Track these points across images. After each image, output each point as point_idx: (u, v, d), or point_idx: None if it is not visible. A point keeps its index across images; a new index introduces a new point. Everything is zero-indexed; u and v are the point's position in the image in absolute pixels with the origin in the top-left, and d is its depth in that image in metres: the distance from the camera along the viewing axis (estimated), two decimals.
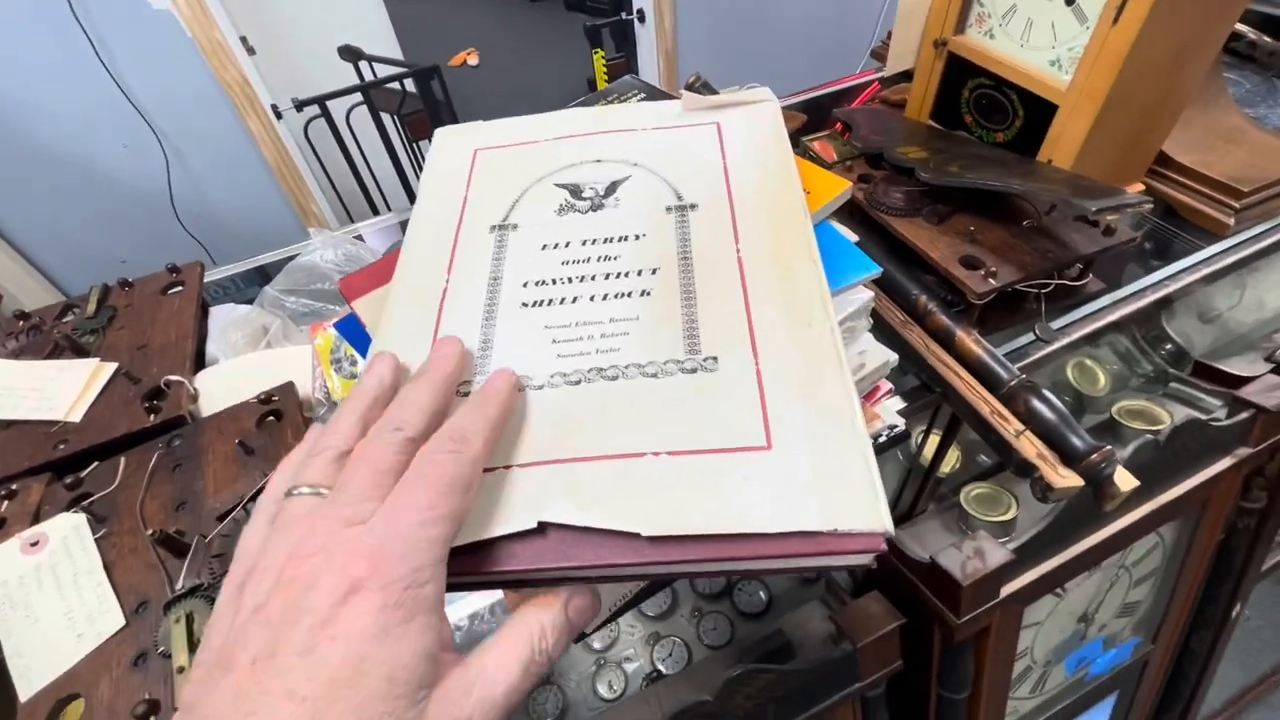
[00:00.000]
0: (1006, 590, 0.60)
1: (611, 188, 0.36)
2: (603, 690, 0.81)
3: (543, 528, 0.23)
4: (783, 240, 0.32)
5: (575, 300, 0.31)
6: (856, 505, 0.23)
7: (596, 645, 0.86)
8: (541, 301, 0.31)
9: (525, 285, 0.32)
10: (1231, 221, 0.61)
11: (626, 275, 0.31)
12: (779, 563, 0.24)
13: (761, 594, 0.87)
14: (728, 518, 0.23)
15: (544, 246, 0.33)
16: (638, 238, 0.33)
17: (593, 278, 0.31)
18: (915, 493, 0.67)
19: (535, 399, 0.27)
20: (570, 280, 0.31)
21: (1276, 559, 0.99)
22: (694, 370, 0.27)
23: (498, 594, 0.41)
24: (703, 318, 0.29)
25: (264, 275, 0.78)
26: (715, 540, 0.23)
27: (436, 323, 0.31)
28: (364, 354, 0.41)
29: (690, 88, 0.72)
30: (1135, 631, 0.84)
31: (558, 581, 0.24)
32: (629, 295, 0.30)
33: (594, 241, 0.33)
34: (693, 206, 0.34)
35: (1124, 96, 0.53)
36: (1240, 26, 0.78)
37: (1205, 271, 0.60)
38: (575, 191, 0.36)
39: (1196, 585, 0.82)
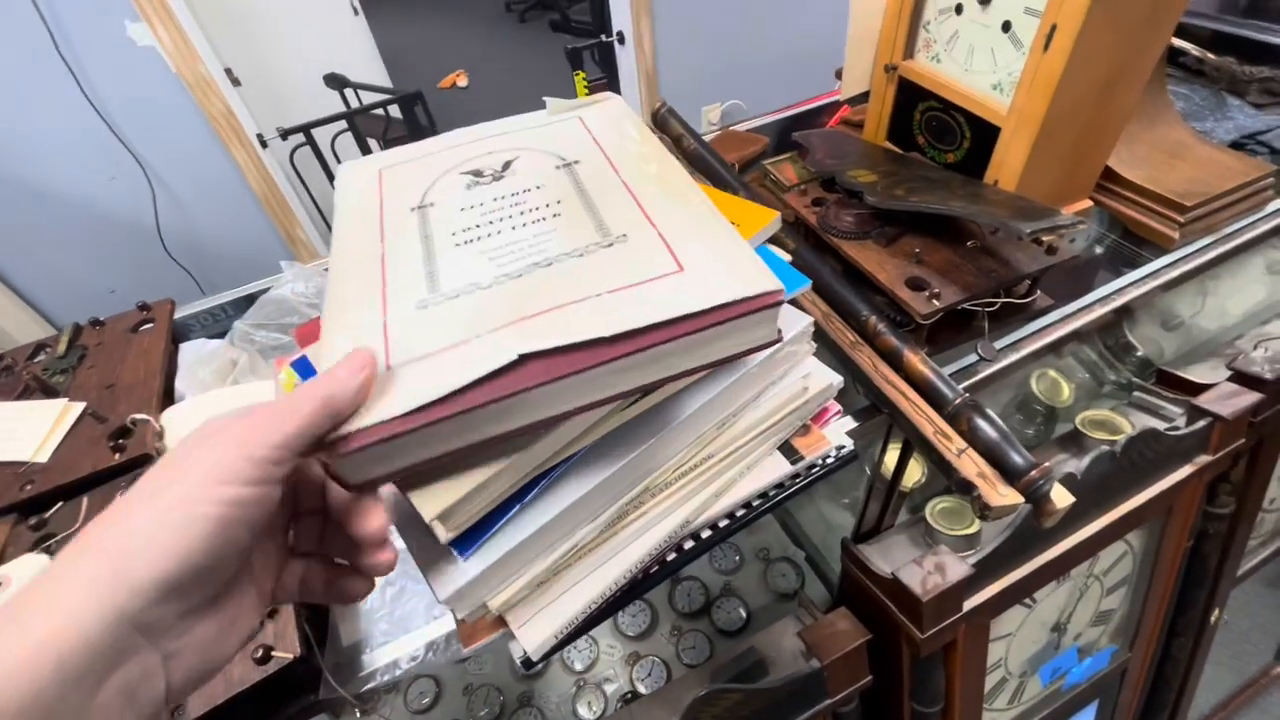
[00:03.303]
0: (970, 603, 0.60)
1: (506, 165, 0.42)
2: (582, 711, 0.82)
3: (523, 359, 0.28)
4: (652, 166, 0.40)
5: (500, 232, 0.36)
6: (753, 279, 0.31)
7: (577, 667, 0.86)
8: (472, 240, 0.36)
9: (454, 234, 0.37)
10: (1176, 235, 0.63)
11: (537, 208, 0.38)
12: (717, 335, 0.31)
13: (740, 611, 0.88)
14: (668, 308, 0.30)
15: (462, 209, 0.38)
16: (538, 188, 0.39)
17: (508, 216, 0.37)
18: (880, 508, 0.67)
19: (486, 295, 0.32)
20: (492, 223, 0.37)
21: (1255, 561, 1.00)
22: (610, 245, 0.34)
23: (429, 635, 0.42)
24: (606, 217, 0.36)
25: (246, 303, 0.79)
26: (662, 326, 0.29)
27: (381, 275, 0.35)
28: None
29: (656, 113, 0.74)
30: (1112, 639, 0.84)
31: (543, 425, 0.31)
32: (543, 219, 0.37)
33: (503, 197, 0.39)
34: (576, 162, 0.41)
35: (1061, 117, 0.55)
36: (1185, 44, 0.80)
37: (1152, 285, 0.62)
38: (477, 173, 0.42)
39: (1170, 592, 0.82)
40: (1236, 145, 0.74)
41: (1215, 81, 0.79)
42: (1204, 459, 0.68)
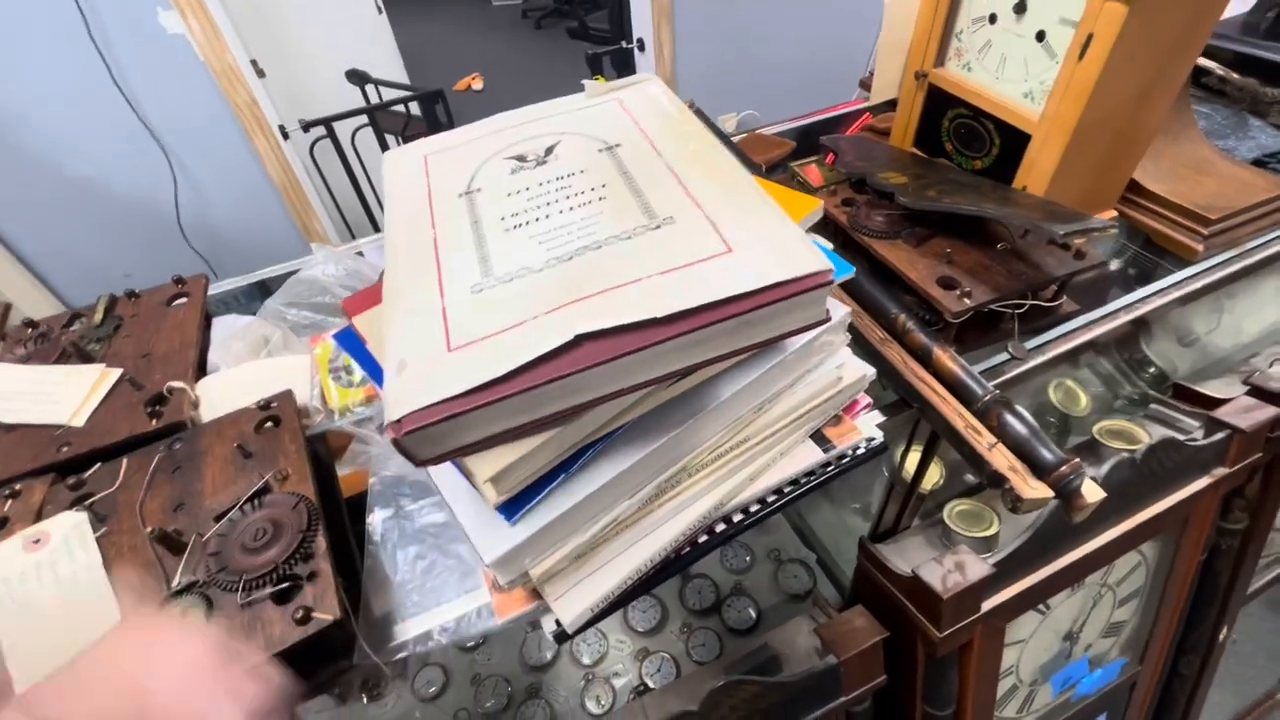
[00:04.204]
0: (988, 605, 0.60)
1: (549, 150, 0.43)
2: (591, 705, 0.81)
3: (578, 340, 0.29)
4: (695, 149, 0.40)
5: (548, 217, 0.37)
6: (804, 260, 0.31)
7: (585, 660, 0.86)
8: (521, 224, 0.37)
9: (503, 219, 0.37)
10: (1201, 247, 0.64)
11: (582, 192, 0.38)
12: (768, 315, 0.31)
13: (750, 611, 0.88)
14: (720, 289, 0.30)
15: (508, 194, 0.39)
16: (582, 172, 0.40)
17: (555, 202, 0.38)
18: (898, 509, 0.68)
19: (539, 278, 0.33)
20: (539, 207, 0.38)
21: (1263, 581, 1.00)
22: (658, 227, 0.35)
23: (463, 607, 0.42)
24: (652, 200, 0.37)
25: (264, 290, 0.80)
26: (715, 306, 0.30)
27: (436, 259, 0.36)
28: (362, 363, 0.42)
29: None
30: (1122, 652, 0.84)
31: (595, 403, 0.31)
32: (589, 203, 0.37)
33: (548, 181, 0.40)
34: (618, 145, 0.42)
35: (1092, 126, 0.56)
36: (1209, 63, 0.81)
37: (1176, 295, 0.62)
38: (520, 158, 0.43)
39: (1181, 606, 0.82)
40: (1258, 163, 0.75)
41: (1237, 101, 0.80)
42: (1221, 471, 0.69)
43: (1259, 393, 0.69)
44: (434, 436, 0.29)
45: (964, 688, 0.67)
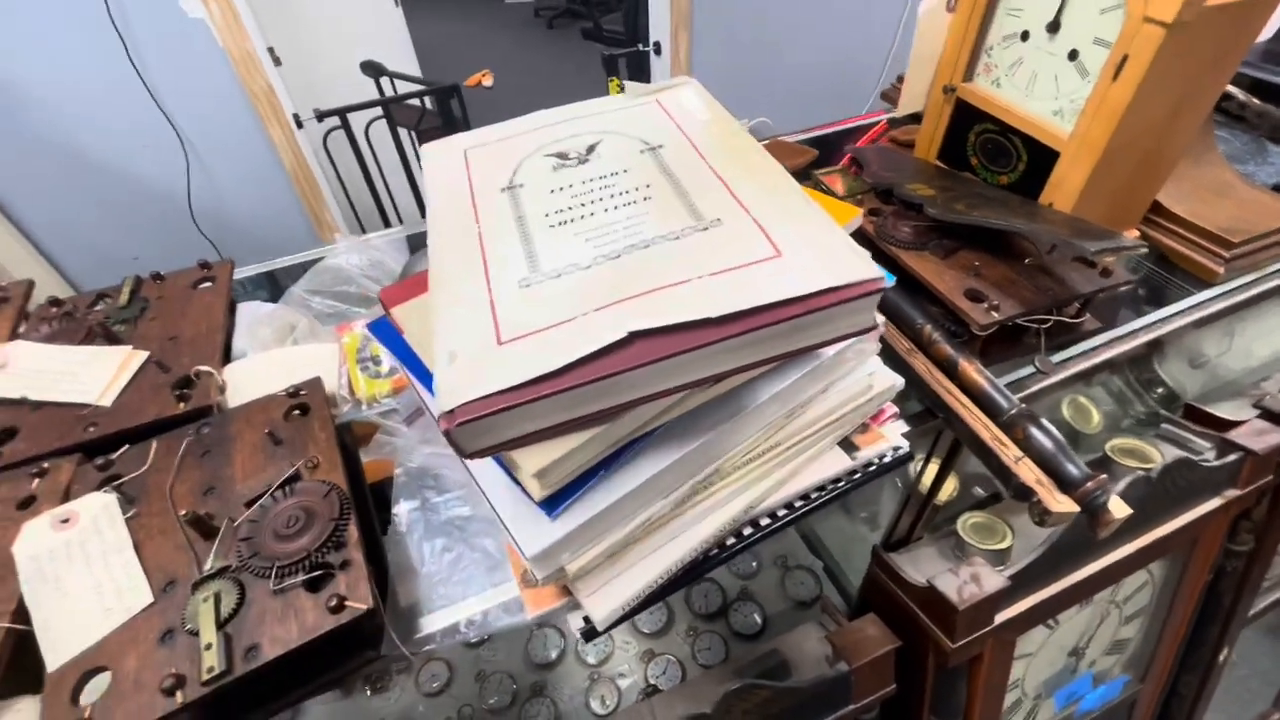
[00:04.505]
0: (1000, 617, 0.61)
1: (591, 148, 0.43)
2: (595, 705, 0.81)
3: (630, 338, 0.29)
4: (737, 151, 0.41)
5: (593, 214, 0.37)
6: (855, 267, 0.31)
7: (591, 660, 0.86)
8: (566, 221, 0.37)
9: (547, 215, 0.38)
10: (1222, 270, 0.64)
11: (626, 192, 0.38)
12: (819, 320, 0.32)
13: (756, 616, 0.88)
14: (773, 292, 0.30)
15: (552, 191, 0.39)
16: (626, 171, 0.40)
17: (600, 199, 0.38)
18: (913, 519, 0.68)
19: (587, 275, 0.33)
20: (584, 204, 0.38)
21: (1265, 603, 1.00)
22: (706, 229, 0.35)
23: (490, 601, 0.42)
24: (698, 202, 0.37)
25: (273, 280, 0.80)
26: (767, 309, 0.30)
27: (481, 252, 0.36)
28: (397, 353, 0.43)
29: None
30: (1125, 669, 0.84)
31: (642, 401, 0.31)
32: (634, 202, 0.37)
33: (591, 179, 0.40)
34: (661, 146, 0.42)
35: (1122, 147, 0.56)
36: (1231, 88, 0.82)
37: (1197, 316, 0.63)
38: (562, 155, 0.43)
39: (1184, 626, 0.83)
40: (1277, 189, 0.75)
41: (1256, 127, 0.81)
42: (1232, 493, 0.69)
43: (1271, 416, 0.70)
44: (484, 429, 0.29)
45: (971, 700, 0.67)
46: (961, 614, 0.57)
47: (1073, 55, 0.58)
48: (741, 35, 1.99)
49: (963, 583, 0.58)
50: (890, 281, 0.42)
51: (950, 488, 0.75)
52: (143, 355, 0.52)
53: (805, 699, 0.61)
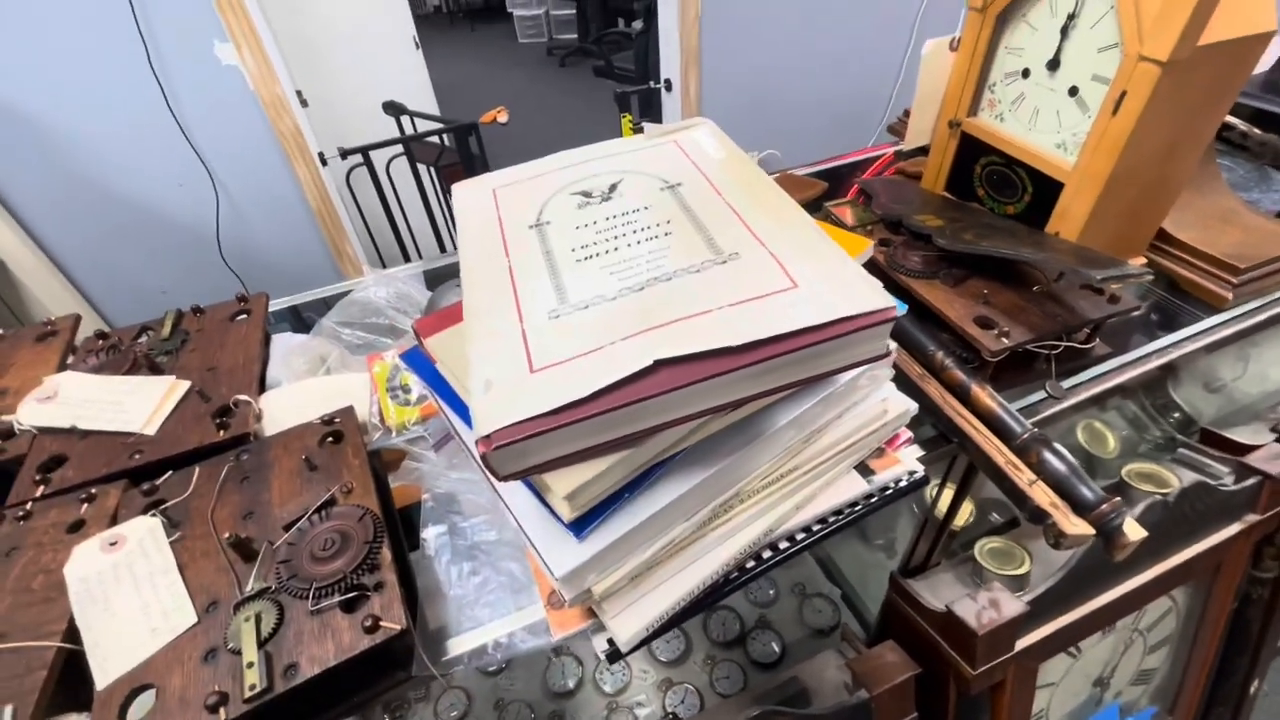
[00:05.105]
0: (1021, 643, 0.61)
1: (613, 187, 0.46)
2: None
3: (656, 366, 0.31)
4: (751, 188, 0.43)
5: (617, 249, 0.39)
6: (868, 297, 0.33)
7: (608, 689, 0.86)
8: (591, 256, 0.39)
9: (573, 250, 0.40)
10: (1230, 295, 0.65)
11: (648, 228, 0.41)
12: (834, 348, 0.33)
13: (774, 645, 0.88)
14: (789, 322, 0.32)
15: (577, 227, 0.42)
16: (647, 208, 0.43)
17: (623, 235, 0.41)
18: (930, 545, 0.68)
19: (612, 306, 0.35)
20: (608, 240, 0.40)
21: None
22: (724, 261, 0.37)
23: (516, 623, 0.43)
24: (716, 237, 0.39)
25: (295, 313, 0.83)
26: (785, 338, 0.32)
27: (512, 285, 0.38)
28: (429, 382, 0.45)
29: None
30: (1152, 700, 0.83)
31: (667, 426, 0.33)
32: (656, 238, 0.40)
33: (614, 216, 0.43)
34: (679, 184, 0.45)
35: (1124, 177, 0.58)
36: (1233, 119, 0.84)
37: (1206, 341, 0.64)
38: (586, 194, 0.45)
39: (1212, 655, 0.81)
40: None
41: (1259, 156, 0.83)
42: (1252, 518, 0.69)
43: None
44: (518, 453, 0.31)
45: None
46: (981, 639, 0.57)
47: (1073, 91, 0.60)
48: (750, 72, 2.05)
49: (981, 608, 0.58)
50: (902, 310, 0.44)
51: (966, 513, 0.75)
52: (185, 385, 0.55)
53: None
